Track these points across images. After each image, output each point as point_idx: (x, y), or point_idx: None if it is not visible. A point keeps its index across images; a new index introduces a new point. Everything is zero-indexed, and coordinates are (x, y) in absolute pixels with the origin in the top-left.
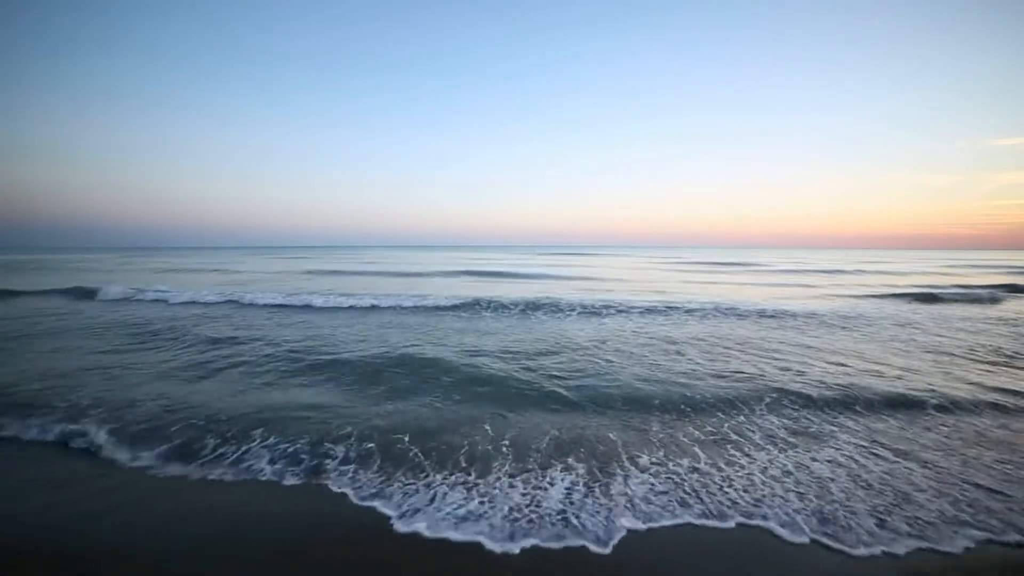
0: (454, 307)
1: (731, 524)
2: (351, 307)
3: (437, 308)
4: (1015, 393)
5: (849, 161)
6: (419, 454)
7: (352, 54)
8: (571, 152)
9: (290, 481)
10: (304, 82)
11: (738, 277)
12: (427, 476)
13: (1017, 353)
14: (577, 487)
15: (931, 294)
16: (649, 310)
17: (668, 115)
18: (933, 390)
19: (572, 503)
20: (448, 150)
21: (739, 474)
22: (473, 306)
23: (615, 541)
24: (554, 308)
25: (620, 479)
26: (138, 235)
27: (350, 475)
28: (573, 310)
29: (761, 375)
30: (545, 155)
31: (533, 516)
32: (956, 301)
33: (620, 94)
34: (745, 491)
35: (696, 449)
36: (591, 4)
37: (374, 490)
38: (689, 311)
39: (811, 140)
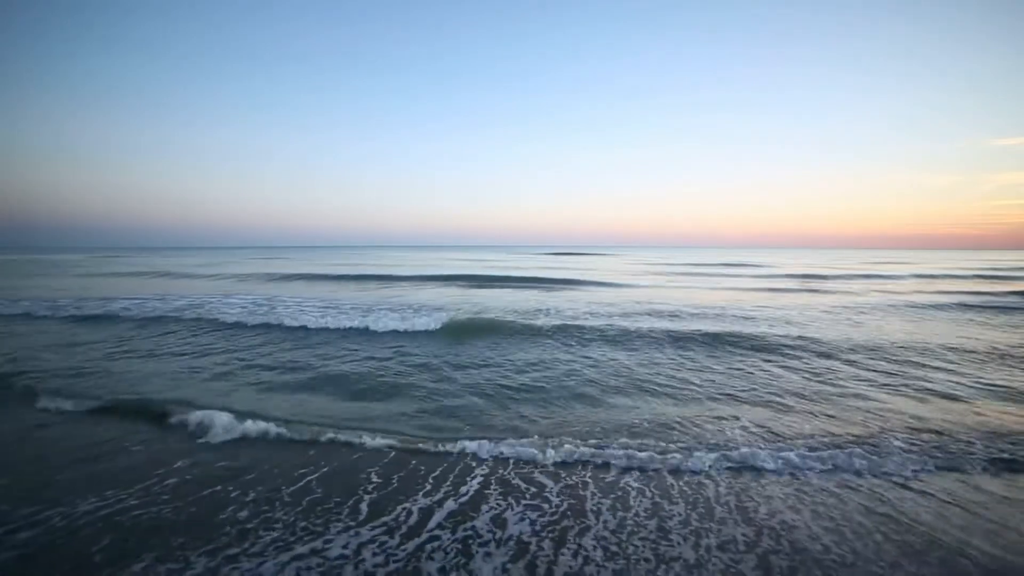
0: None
1: None
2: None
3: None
4: None
5: (849, 161)
6: None
7: (352, 54)
8: (571, 152)
9: None
10: (304, 82)
11: (761, 282)
12: None
13: None
14: None
15: None
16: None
17: (668, 115)
18: None
19: None
20: (449, 150)
21: None
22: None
23: None
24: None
25: None
26: (138, 235)
27: None
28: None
29: None
30: (546, 155)
31: None
32: None
33: (620, 94)
34: None
35: None
36: (591, 4)
37: None
38: (707, 340)
39: (810, 140)
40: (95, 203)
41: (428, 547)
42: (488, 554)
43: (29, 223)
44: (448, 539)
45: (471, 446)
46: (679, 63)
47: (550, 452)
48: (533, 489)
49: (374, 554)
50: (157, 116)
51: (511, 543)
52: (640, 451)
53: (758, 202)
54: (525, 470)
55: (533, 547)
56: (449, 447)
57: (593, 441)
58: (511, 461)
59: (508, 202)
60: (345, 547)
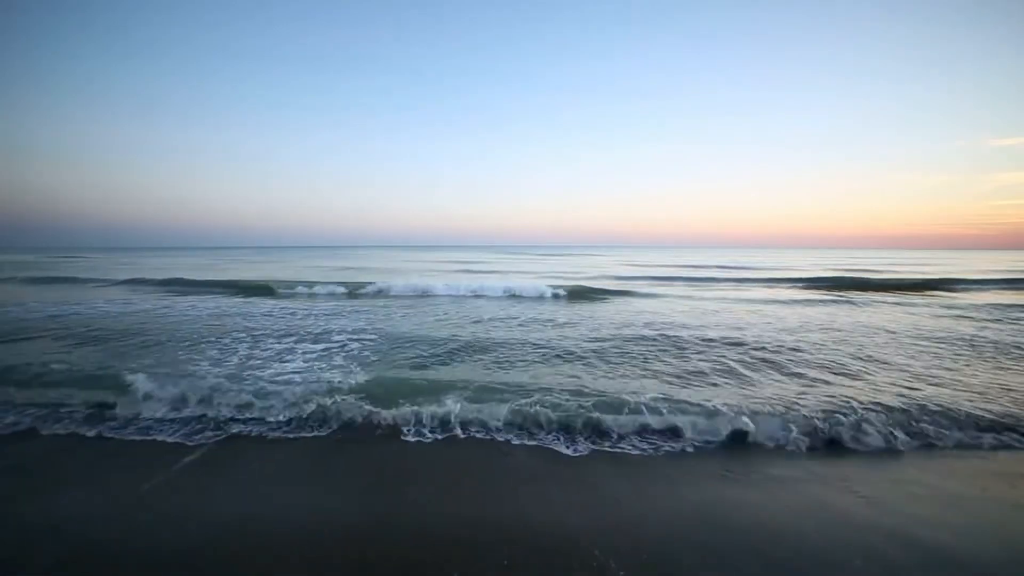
0: None
1: None
2: None
3: None
4: None
5: (849, 161)
6: None
7: (355, 56)
8: (573, 152)
9: None
10: (307, 84)
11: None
12: None
13: None
14: None
15: None
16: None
17: (670, 115)
18: None
19: None
20: (451, 150)
21: None
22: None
23: None
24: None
25: None
26: (141, 236)
27: None
28: None
29: None
30: (547, 155)
31: None
32: None
33: (622, 94)
34: None
35: None
36: (593, 5)
37: None
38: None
39: (807, 140)
40: (97, 204)
41: None
42: None
43: (29, 223)
44: None
45: None
46: (680, 63)
47: None
48: None
49: None
50: (159, 117)
51: None
52: None
53: (756, 202)
54: None
55: None
56: None
57: None
58: None
59: (509, 202)
60: None
